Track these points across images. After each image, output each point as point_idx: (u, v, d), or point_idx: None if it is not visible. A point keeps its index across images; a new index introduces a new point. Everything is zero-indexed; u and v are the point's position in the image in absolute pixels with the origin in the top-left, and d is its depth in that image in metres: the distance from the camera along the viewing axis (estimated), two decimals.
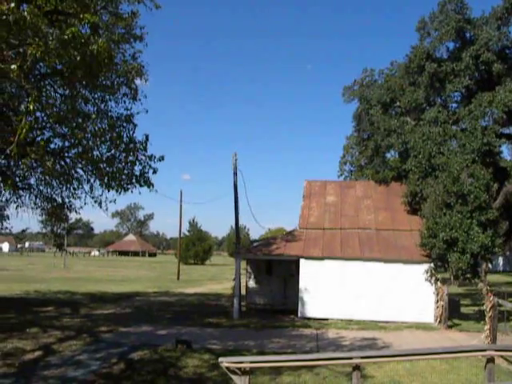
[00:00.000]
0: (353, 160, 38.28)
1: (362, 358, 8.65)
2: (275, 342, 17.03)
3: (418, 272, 22.09)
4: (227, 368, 8.28)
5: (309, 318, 22.31)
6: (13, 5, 7.95)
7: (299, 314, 22.78)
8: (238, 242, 24.52)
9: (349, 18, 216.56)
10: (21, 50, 9.30)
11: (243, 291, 24.93)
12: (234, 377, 8.29)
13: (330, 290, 22.62)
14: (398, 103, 27.75)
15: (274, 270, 25.96)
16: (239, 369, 8.24)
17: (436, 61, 25.14)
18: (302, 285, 22.87)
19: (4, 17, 8.29)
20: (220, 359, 8.40)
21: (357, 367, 8.29)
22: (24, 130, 8.14)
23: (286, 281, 25.56)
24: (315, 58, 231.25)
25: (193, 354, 14.33)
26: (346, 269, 22.64)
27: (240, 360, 8.58)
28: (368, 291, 22.31)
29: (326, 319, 22.15)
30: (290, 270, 24.94)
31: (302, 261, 22.95)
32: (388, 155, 30.60)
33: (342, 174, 39.73)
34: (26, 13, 8.21)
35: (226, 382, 10.98)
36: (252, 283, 26.22)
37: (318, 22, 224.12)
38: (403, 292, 22.07)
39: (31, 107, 8.27)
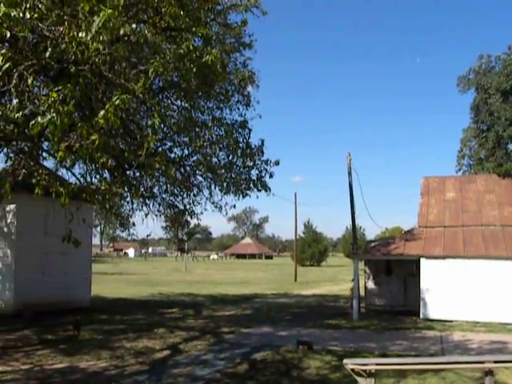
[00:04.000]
0: (471, 153, 36.41)
1: (496, 362, 8.21)
2: (397, 344, 16.59)
3: None
4: (352, 370, 8.25)
5: (431, 320, 21.49)
6: (134, 26, 8.48)
7: (421, 316, 22.02)
8: (355, 243, 24.30)
9: (456, 4, 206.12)
10: (141, 67, 9.88)
11: (362, 292, 24.58)
12: (359, 379, 8.23)
13: (453, 290, 21.63)
14: None
15: (394, 270, 25.31)
16: (364, 371, 8.17)
17: None
18: (423, 285, 22.10)
19: (126, 38, 8.87)
20: (345, 361, 8.38)
21: (489, 372, 7.90)
22: (151, 144, 8.65)
23: (406, 281, 24.84)
24: (423, 50, 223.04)
25: (314, 355, 14.33)
26: (469, 268, 21.54)
27: (365, 362, 8.52)
28: (494, 291, 21.00)
29: (450, 321, 21.21)
30: (410, 270, 24.18)
31: (422, 260, 22.19)
32: (511, 146, 28.81)
33: (460, 169, 37.92)
34: (146, 31, 8.73)
35: None
36: (371, 284, 25.78)
37: (422, 13, 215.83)
38: None
39: (156, 122, 8.78)
